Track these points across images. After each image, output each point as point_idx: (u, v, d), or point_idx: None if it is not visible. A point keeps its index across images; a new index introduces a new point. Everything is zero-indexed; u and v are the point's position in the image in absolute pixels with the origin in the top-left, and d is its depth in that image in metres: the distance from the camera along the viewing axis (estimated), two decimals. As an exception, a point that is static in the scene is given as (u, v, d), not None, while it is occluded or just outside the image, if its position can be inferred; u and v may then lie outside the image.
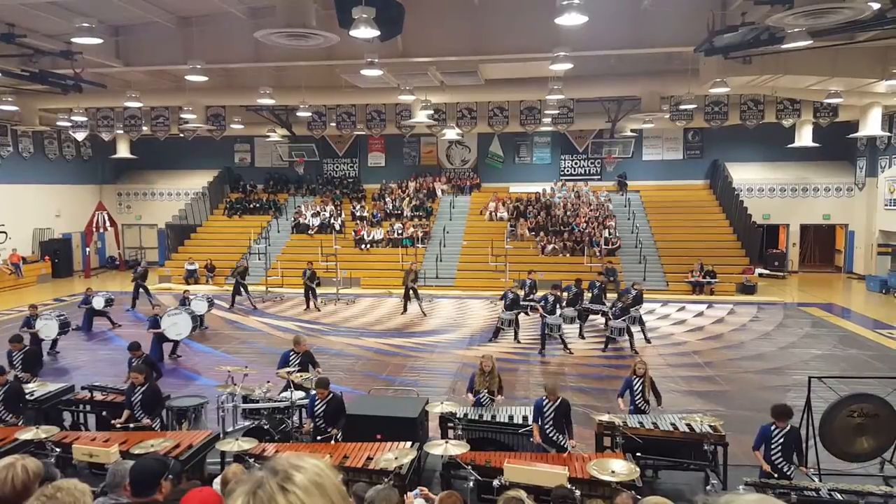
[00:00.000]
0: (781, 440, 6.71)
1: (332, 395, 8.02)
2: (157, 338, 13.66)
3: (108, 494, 4.24)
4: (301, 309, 19.39)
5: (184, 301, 16.21)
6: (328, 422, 7.91)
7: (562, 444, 7.53)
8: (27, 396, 8.80)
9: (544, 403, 7.64)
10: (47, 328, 13.90)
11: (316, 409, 7.96)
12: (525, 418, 8.09)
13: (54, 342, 14.20)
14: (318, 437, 7.93)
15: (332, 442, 7.58)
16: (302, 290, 19.82)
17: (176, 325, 14.13)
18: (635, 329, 14.77)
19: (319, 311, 19.12)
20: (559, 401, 7.63)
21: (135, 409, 8.02)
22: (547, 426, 7.59)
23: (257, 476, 1.43)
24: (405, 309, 18.64)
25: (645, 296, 15.76)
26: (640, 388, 8.47)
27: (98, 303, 16.85)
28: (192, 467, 7.03)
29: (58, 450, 7.04)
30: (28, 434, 6.93)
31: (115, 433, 7.76)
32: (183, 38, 14.06)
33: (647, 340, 15.03)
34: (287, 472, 1.42)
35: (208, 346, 14.94)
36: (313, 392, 8.64)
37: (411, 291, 18.57)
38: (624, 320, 14.24)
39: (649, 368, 8.80)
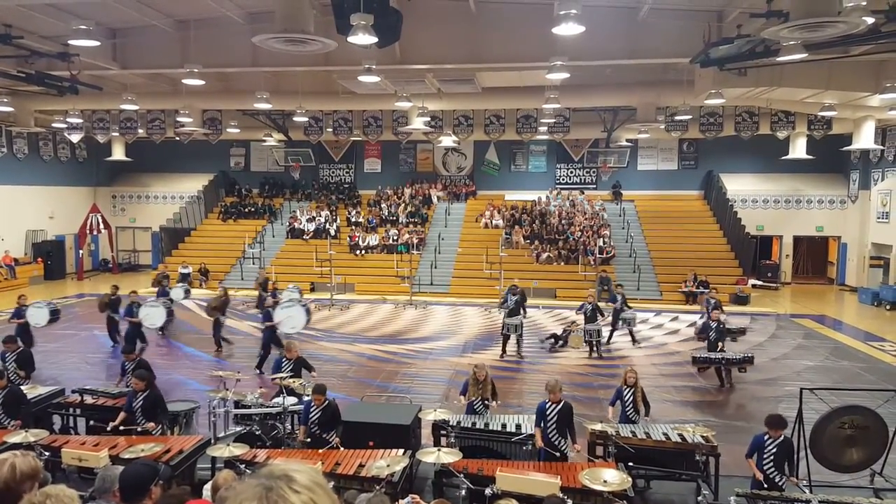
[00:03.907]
0: (774, 450, 6.71)
1: (327, 401, 7.92)
2: (134, 328, 13.70)
3: (96, 500, 4.20)
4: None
5: (162, 286, 16.45)
6: (323, 429, 7.84)
7: (564, 449, 7.48)
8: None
9: (547, 406, 7.56)
10: (36, 316, 14.44)
11: (311, 415, 7.86)
12: (518, 426, 8.06)
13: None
14: (311, 444, 7.79)
15: (332, 450, 7.49)
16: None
17: (151, 315, 14.81)
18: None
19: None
20: (562, 403, 7.55)
21: (136, 414, 7.94)
22: (550, 430, 7.50)
23: (261, 482, 1.43)
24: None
25: (639, 305, 15.76)
26: (631, 399, 8.44)
27: (172, 300, 16.77)
28: (182, 473, 6.98)
29: (47, 454, 6.97)
30: (17, 437, 6.86)
31: (105, 437, 7.69)
32: (180, 42, 14.07)
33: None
34: (288, 475, 1.45)
35: (199, 351, 14.85)
36: (306, 398, 8.57)
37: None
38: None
39: (640, 378, 8.78)
